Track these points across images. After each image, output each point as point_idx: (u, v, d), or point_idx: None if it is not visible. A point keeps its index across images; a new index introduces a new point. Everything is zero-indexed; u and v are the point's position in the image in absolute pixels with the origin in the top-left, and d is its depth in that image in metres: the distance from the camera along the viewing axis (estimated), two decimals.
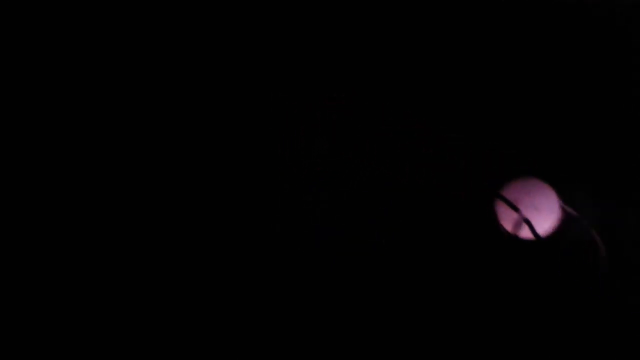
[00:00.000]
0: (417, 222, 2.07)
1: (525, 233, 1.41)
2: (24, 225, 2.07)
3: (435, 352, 1.98)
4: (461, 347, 1.96)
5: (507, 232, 1.43)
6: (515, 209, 1.43)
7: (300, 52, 2.20)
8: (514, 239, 1.41)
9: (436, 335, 1.99)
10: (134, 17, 2.19)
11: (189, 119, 2.17)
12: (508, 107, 2.13)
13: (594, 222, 1.52)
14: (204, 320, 2.04)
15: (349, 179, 2.12)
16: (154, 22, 2.20)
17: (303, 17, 2.20)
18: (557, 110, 2.11)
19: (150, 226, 2.09)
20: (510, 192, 1.49)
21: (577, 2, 2.08)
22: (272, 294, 2.05)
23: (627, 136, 2.06)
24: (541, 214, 1.45)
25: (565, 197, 1.52)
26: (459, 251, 1.67)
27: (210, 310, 2.04)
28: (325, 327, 2.03)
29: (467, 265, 1.61)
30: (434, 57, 2.17)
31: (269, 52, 2.20)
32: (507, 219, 1.42)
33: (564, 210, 1.49)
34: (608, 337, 1.55)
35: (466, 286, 1.63)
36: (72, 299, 2.04)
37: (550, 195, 1.49)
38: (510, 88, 2.14)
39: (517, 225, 1.42)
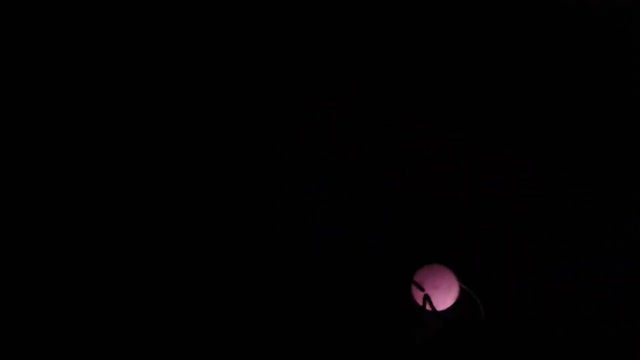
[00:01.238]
0: (417, 222, 2.08)
1: (428, 306, 1.93)
2: (24, 225, 2.08)
3: (434, 351, 1.98)
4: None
5: (417, 304, 1.95)
6: (421, 288, 1.94)
7: (300, 52, 2.20)
8: (422, 309, 1.94)
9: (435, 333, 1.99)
10: (135, 17, 2.20)
11: (189, 119, 2.17)
12: (508, 107, 2.13)
13: (483, 301, 1.98)
14: (204, 319, 2.04)
15: (349, 179, 2.13)
16: (154, 23, 2.20)
17: (303, 17, 2.20)
18: (557, 110, 2.11)
19: (151, 225, 2.09)
20: (420, 275, 1.97)
21: (577, 2, 2.09)
22: (272, 293, 2.05)
23: (627, 136, 2.07)
24: (440, 292, 1.94)
25: (463, 278, 1.98)
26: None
27: (210, 310, 2.04)
28: (325, 327, 2.03)
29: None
30: (434, 57, 2.18)
31: (269, 52, 2.21)
32: (417, 295, 1.95)
33: (461, 289, 1.95)
34: None
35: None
36: (72, 298, 2.04)
37: (450, 278, 1.96)
38: (510, 88, 2.14)
39: (423, 300, 1.93)
